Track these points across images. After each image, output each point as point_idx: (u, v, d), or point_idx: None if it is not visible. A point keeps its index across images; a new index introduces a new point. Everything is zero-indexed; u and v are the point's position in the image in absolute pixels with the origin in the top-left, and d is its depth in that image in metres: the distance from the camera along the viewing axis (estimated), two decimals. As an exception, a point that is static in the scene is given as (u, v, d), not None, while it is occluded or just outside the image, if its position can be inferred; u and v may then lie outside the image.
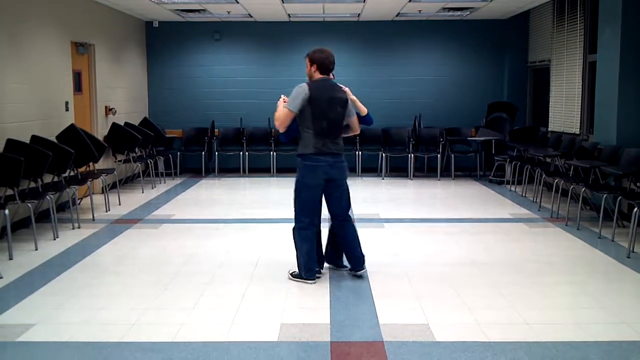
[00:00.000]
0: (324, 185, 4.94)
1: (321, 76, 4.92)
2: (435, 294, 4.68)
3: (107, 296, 4.67)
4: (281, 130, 4.93)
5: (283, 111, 4.85)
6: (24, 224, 6.81)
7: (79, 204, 7.81)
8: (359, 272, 5.07)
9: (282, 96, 5.01)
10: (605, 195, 6.52)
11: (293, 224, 5.03)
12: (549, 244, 6.30)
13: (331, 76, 5.00)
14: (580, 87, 8.73)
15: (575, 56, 8.87)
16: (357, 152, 11.02)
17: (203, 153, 11.20)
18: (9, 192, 6.10)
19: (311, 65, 4.91)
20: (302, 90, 4.82)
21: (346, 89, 5.05)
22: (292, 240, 5.07)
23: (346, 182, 5.07)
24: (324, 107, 4.82)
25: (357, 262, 5.08)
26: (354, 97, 5.13)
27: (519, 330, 3.95)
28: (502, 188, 9.73)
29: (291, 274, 5.08)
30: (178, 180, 10.69)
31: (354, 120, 5.10)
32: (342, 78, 5.10)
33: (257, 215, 7.74)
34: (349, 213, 5.14)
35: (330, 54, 4.94)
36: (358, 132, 5.30)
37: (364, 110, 5.24)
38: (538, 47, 10.55)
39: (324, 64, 4.91)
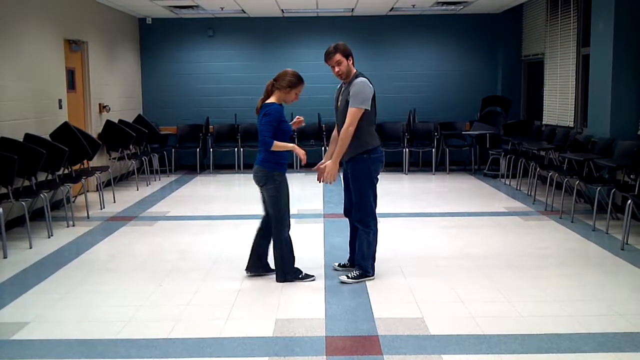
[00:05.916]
0: None
1: (354, 69, 4.79)
2: (430, 288, 4.70)
3: (102, 294, 4.67)
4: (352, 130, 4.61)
5: (357, 112, 4.57)
6: (18, 223, 6.79)
7: (74, 201, 7.80)
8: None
9: (298, 117, 4.92)
10: (599, 188, 6.54)
11: (364, 227, 4.77)
12: (544, 237, 6.32)
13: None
14: (574, 80, 8.74)
15: (569, 49, 8.88)
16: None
17: (198, 150, 11.18)
18: (3, 190, 6.09)
19: (347, 60, 4.69)
20: (370, 87, 4.65)
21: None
22: (364, 241, 4.80)
23: None
24: (374, 100, 4.77)
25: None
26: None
27: (513, 323, 3.97)
28: (497, 182, 9.75)
29: (355, 277, 4.82)
30: (173, 177, 10.67)
31: None
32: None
33: (252, 212, 7.72)
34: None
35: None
36: None
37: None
38: (532, 41, 10.55)
39: (352, 55, 4.77)
